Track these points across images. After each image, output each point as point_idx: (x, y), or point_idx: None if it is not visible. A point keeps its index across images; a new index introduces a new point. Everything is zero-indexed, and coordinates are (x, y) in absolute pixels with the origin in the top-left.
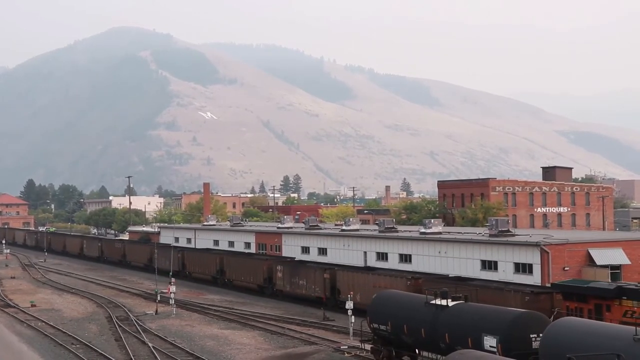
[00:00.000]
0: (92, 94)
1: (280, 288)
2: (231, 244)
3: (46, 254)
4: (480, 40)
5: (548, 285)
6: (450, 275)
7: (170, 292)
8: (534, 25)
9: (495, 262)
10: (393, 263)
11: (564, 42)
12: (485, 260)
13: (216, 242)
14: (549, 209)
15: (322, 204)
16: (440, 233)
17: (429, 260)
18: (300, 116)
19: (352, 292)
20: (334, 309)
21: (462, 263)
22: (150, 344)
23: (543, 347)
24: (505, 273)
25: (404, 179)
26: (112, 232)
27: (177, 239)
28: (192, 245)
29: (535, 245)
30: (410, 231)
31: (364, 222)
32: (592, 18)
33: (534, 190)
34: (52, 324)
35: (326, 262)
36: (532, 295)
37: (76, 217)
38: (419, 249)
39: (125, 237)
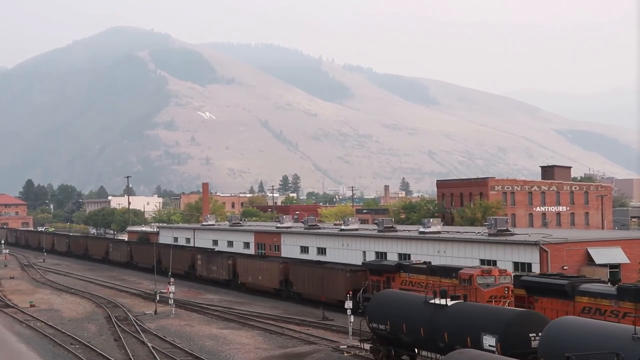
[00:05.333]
0: (89, 93)
1: (200, 273)
2: (230, 243)
3: (45, 254)
4: (476, 38)
5: (360, 264)
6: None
7: (169, 292)
8: (530, 24)
9: (495, 262)
10: None
11: (561, 40)
12: (484, 260)
13: (215, 242)
14: (547, 208)
15: (321, 204)
16: (439, 232)
17: (428, 259)
18: (298, 116)
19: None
20: (235, 289)
21: (461, 262)
22: (149, 344)
23: (542, 346)
24: None
25: (403, 178)
26: (112, 232)
27: (176, 239)
28: (191, 245)
29: (534, 244)
30: (409, 230)
31: (363, 221)
32: (590, 16)
33: (532, 189)
34: (51, 324)
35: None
36: (352, 272)
37: (75, 217)
38: (418, 249)
39: (124, 237)
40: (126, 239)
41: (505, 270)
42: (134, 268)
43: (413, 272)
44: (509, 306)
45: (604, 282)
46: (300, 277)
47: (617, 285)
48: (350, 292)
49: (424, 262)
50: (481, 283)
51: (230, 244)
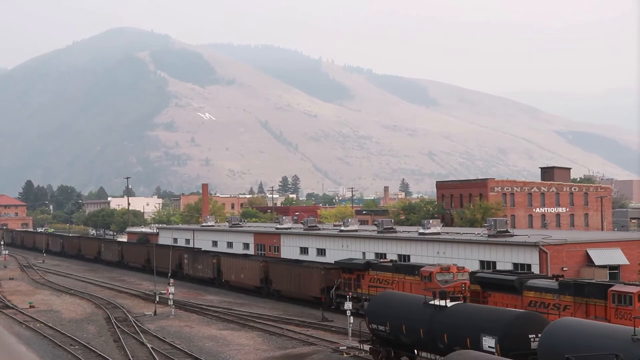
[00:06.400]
0: (89, 94)
1: (186, 272)
2: (229, 244)
3: (45, 255)
4: (476, 38)
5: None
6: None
7: (169, 293)
8: (530, 24)
9: (494, 263)
10: None
11: (560, 40)
12: (483, 261)
13: (214, 243)
14: (547, 209)
15: (320, 205)
16: (438, 233)
17: (428, 260)
18: (298, 116)
19: (232, 274)
20: (220, 286)
21: (461, 263)
22: (149, 345)
23: (541, 347)
24: None
25: (403, 179)
26: (111, 233)
27: (175, 240)
28: (190, 245)
29: (534, 245)
30: (408, 232)
31: (362, 222)
32: (589, 16)
33: (532, 190)
34: (50, 325)
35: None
36: (325, 270)
37: (75, 218)
38: (417, 250)
39: (124, 238)
40: (126, 240)
41: (463, 267)
42: (124, 267)
43: (380, 270)
44: (466, 302)
45: (549, 278)
46: (279, 275)
47: (558, 281)
48: (349, 293)
49: (390, 261)
50: (440, 280)
51: (229, 244)
